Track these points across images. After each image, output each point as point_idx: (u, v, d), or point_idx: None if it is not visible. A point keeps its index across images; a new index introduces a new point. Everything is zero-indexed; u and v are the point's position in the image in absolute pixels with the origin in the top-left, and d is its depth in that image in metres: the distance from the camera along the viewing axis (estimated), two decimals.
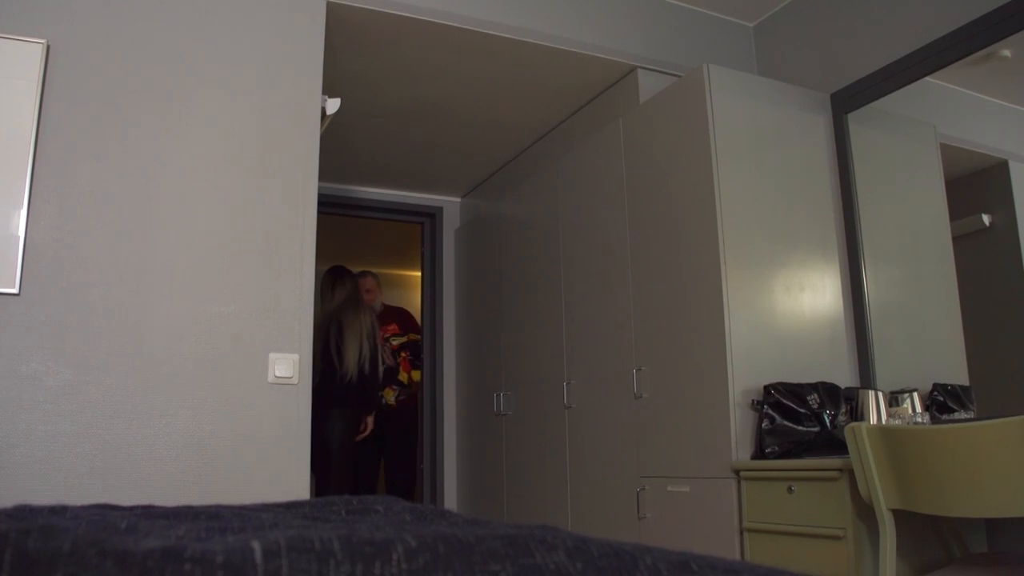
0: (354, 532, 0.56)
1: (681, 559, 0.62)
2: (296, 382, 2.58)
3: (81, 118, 2.48)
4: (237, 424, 2.49)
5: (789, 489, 2.45)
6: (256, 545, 0.51)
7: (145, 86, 2.58)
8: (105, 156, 2.49)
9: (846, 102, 3.22)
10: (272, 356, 2.56)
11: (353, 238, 6.20)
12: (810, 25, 3.51)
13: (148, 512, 0.87)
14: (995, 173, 2.89)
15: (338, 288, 4.58)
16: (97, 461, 2.31)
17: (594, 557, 0.56)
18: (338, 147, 4.10)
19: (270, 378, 2.54)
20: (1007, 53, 2.71)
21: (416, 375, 5.17)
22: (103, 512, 0.84)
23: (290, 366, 2.58)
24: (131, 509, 0.97)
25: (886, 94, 3.09)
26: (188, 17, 2.69)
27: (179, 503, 1.13)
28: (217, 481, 2.41)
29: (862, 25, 3.24)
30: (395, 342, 5.27)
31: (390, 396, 5.14)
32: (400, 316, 5.54)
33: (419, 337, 5.25)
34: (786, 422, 2.64)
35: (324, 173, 2.88)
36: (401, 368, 5.22)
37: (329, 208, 4.64)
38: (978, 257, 2.89)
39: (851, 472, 2.20)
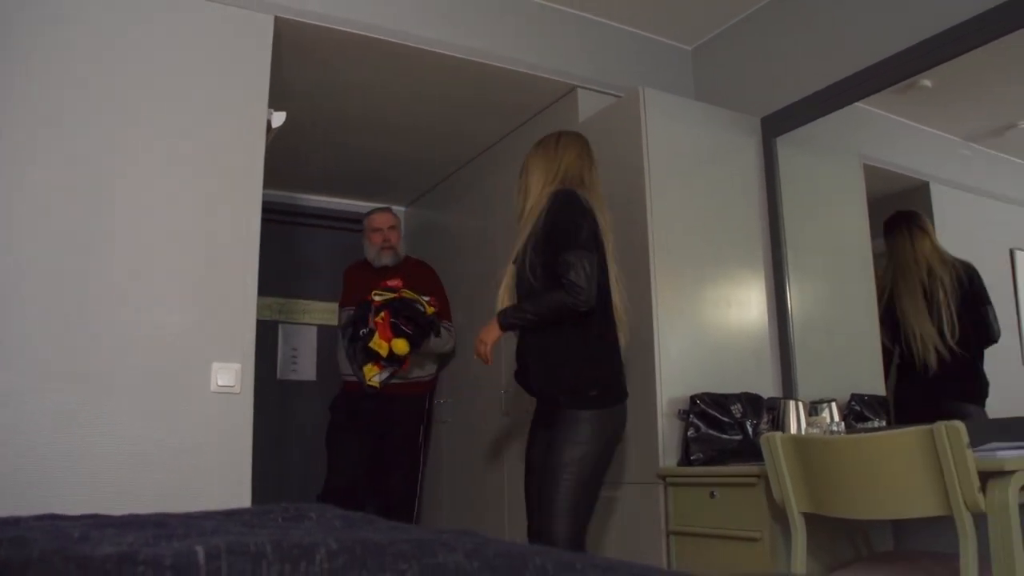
0: (285, 537, 0.65)
1: (568, 560, 0.72)
2: (239, 391, 2.61)
3: (26, 127, 2.49)
4: (181, 433, 2.52)
5: (711, 494, 2.58)
6: (199, 549, 0.60)
7: (91, 96, 2.60)
8: (49, 166, 2.50)
9: (776, 126, 3.36)
10: (215, 365, 2.60)
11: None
12: (745, 50, 3.64)
13: (97, 522, 0.95)
14: (917, 195, 3.05)
15: None
16: (38, 472, 2.31)
17: (489, 557, 0.66)
18: (286, 156, 4.14)
19: (213, 387, 2.58)
20: (928, 83, 2.88)
21: (400, 346, 3.90)
22: (55, 523, 0.92)
23: (233, 375, 2.61)
24: (79, 519, 1.03)
25: (814, 119, 3.22)
26: (137, 29, 2.71)
27: (124, 511, 1.20)
28: (162, 489, 2.43)
29: (794, 52, 3.38)
30: (378, 298, 4.00)
31: (372, 375, 3.98)
32: (414, 269, 4.36)
33: (414, 295, 4.07)
34: (710, 431, 2.78)
35: (272, 181, 2.94)
36: (377, 334, 3.90)
37: (276, 215, 4.67)
38: None
39: (767, 478, 2.34)
